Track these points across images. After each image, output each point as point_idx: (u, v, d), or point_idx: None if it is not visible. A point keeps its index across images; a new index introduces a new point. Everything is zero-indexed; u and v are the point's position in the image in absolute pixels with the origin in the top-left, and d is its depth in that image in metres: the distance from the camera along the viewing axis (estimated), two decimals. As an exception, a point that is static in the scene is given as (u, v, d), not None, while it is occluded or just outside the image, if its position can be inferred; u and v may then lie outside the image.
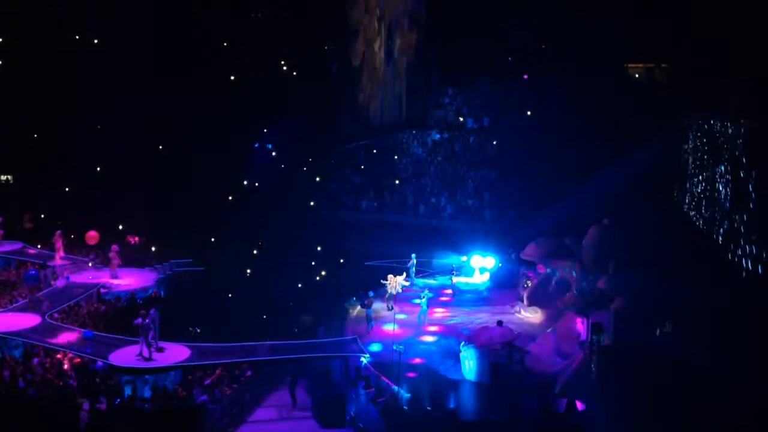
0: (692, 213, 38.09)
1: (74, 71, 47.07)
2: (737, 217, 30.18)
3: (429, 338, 31.54)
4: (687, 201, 39.47)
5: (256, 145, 51.89)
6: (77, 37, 49.79)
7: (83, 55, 48.47)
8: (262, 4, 53.26)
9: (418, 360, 29.44)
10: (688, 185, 39.64)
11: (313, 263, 40.36)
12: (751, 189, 29.07)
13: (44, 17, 48.48)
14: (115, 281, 35.62)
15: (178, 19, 48.56)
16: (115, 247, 36.65)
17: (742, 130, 31.03)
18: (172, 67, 47.77)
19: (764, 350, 23.17)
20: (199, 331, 30.89)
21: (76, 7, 49.30)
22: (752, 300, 26.37)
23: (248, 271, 38.92)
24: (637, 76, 52.27)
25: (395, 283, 35.00)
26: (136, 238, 42.48)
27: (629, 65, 52.17)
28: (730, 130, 32.34)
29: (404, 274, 36.39)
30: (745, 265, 28.90)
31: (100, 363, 26.61)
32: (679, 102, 42.75)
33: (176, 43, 48.45)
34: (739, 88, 34.37)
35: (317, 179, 51.12)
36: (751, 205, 28.81)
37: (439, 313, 34.47)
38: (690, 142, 40.08)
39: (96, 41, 49.81)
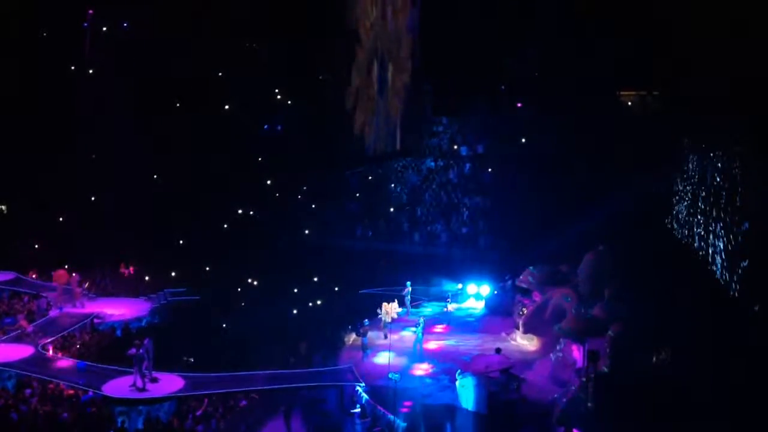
0: (686, 240, 38.14)
1: (70, 101, 47.20)
2: (730, 244, 30.23)
3: (425, 366, 31.42)
4: (681, 228, 39.54)
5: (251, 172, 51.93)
6: (72, 67, 49.97)
7: (79, 85, 48.66)
8: (257, 34, 53.55)
9: (414, 388, 29.27)
10: (681, 212, 39.74)
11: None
12: (742, 216, 29.15)
13: (38, 47, 48.72)
14: (80, 310, 35.21)
15: (172, 48, 48.75)
16: (76, 276, 36.42)
17: (735, 157, 31.18)
18: (166, 96, 47.96)
19: (762, 376, 23.08)
20: (192, 360, 30.65)
21: (71, 38, 49.57)
22: (747, 326, 26.34)
23: (242, 303, 38.73)
24: (629, 103, 52.55)
25: (390, 310, 34.92)
26: (131, 269, 42.15)
27: (622, 92, 52.48)
28: (722, 158, 32.50)
29: (395, 302, 36.28)
30: (735, 289, 28.93)
31: (92, 393, 26.38)
32: (671, 129, 42.97)
33: (171, 73, 48.65)
34: (734, 116, 34.55)
35: (312, 207, 51.12)
36: (743, 229, 28.87)
37: (434, 341, 34.38)
38: (683, 169, 40.23)
39: (91, 71, 50.01)
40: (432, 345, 33.75)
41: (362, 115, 54.33)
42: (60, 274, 36.30)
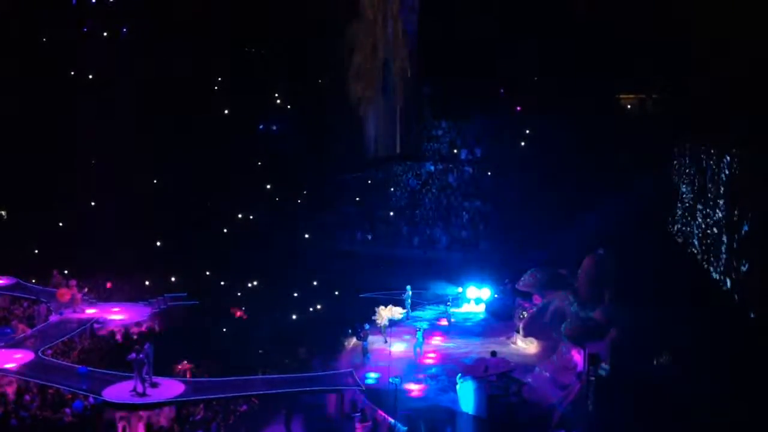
0: (686, 241, 38.16)
1: (70, 106, 47.24)
2: (730, 246, 30.25)
3: (425, 370, 31.40)
4: (681, 231, 39.56)
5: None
6: (72, 72, 50.02)
7: (79, 90, 48.70)
8: (257, 38, 53.61)
9: (414, 392, 29.30)
10: (681, 215, 39.77)
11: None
12: (741, 217, 29.17)
13: (40, 51, 48.82)
14: (80, 315, 35.13)
15: (172, 52, 48.78)
16: (72, 282, 36.45)
17: (734, 160, 31.23)
18: (165, 100, 48.00)
19: (762, 381, 23.09)
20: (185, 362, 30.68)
21: (72, 43, 49.67)
22: (747, 329, 26.35)
23: (243, 307, 38.68)
24: (629, 106, 52.61)
25: (386, 313, 34.95)
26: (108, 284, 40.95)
27: (621, 96, 52.53)
28: (722, 160, 32.54)
29: (390, 306, 36.33)
30: (735, 292, 28.94)
31: (92, 399, 26.37)
32: (671, 132, 43.03)
33: (171, 77, 48.71)
34: (734, 118, 34.57)
35: (312, 211, 51.11)
36: (742, 232, 28.90)
37: (434, 346, 34.40)
38: (683, 172, 40.28)
39: (90, 76, 50.07)
40: (432, 348, 33.80)
41: (362, 119, 54.44)
42: (62, 293, 36.17)
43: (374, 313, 35.41)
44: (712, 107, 37.27)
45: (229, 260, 43.02)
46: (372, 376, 30.23)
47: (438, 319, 37.98)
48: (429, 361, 32.43)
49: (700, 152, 36.26)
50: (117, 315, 35.71)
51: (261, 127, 53.26)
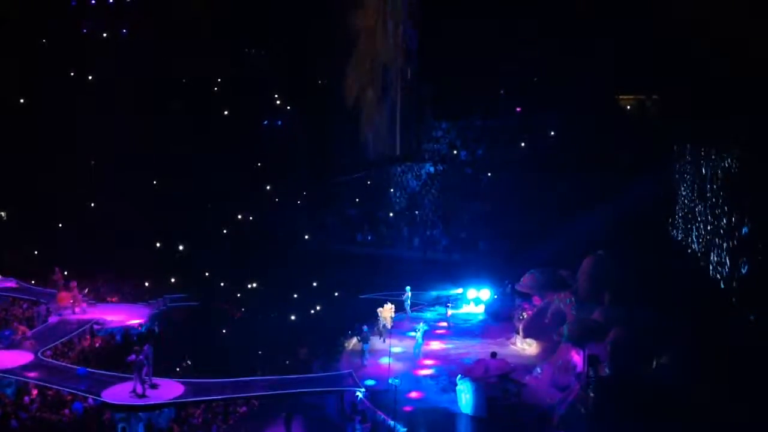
0: (685, 243, 38.15)
1: (71, 107, 47.26)
2: (729, 249, 30.24)
3: (425, 371, 31.40)
4: (680, 232, 39.54)
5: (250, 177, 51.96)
6: (72, 74, 50.03)
7: (79, 92, 48.73)
8: (255, 39, 53.62)
9: (414, 394, 29.29)
10: (681, 216, 39.76)
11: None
12: (741, 218, 29.16)
13: (41, 53, 48.90)
14: (80, 316, 35.10)
15: (172, 53, 48.81)
16: (73, 283, 36.43)
17: (734, 160, 31.22)
18: (166, 102, 48.01)
19: (761, 382, 23.08)
20: (190, 363, 30.67)
21: (73, 44, 49.71)
22: (747, 331, 26.35)
23: (242, 309, 38.69)
24: (628, 108, 52.61)
25: (387, 314, 34.93)
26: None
27: (620, 97, 52.54)
28: (721, 161, 32.54)
29: (389, 306, 36.36)
30: (734, 294, 28.92)
31: (91, 400, 26.36)
32: (670, 133, 43.02)
33: (171, 79, 48.73)
34: (734, 118, 34.56)
35: (312, 212, 51.12)
36: (742, 234, 28.89)
37: (434, 345, 34.38)
38: (683, 173, 40.27)
39: (91, 77, 50.10)
40: (432, 350, 33.78)
41: (362, 119, 54.44)
42: (63, 296, 36.12)
43: (376, 314, 35.39)
44: (712, 107, 37.28)
45: (229, 261, 43.03)
46: (369, 383, 30.06)
47: (437, 321, 37.92)
48: (429, 362, 32.40)
49: (700, 153, 36.24)
50: (117, 316, 35.69)
51: (265, 122, 53.27)
